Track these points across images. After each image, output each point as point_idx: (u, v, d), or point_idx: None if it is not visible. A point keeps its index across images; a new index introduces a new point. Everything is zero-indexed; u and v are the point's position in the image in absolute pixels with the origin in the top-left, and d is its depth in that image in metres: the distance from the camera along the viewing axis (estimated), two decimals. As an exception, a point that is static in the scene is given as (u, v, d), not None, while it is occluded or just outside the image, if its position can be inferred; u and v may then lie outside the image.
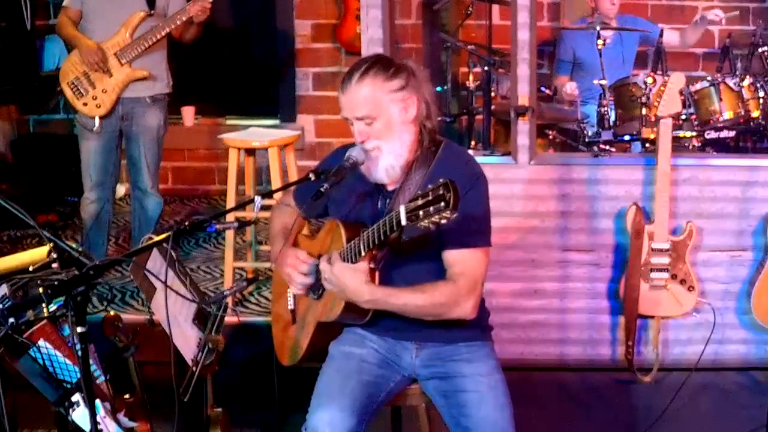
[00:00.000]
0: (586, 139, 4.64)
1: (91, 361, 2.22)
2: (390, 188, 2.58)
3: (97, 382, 2.47)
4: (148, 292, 2.58)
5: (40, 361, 2.34)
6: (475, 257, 2.49)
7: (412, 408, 2.73)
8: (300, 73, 6.24)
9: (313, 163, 4.94)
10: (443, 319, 2.50)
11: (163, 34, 4.38)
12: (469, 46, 5.30)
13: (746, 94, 4.35)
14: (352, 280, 2.40)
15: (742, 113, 4.36)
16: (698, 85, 4.39)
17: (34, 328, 2.35)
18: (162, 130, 4.62)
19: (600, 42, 4.75)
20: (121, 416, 2.56)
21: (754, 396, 3.77)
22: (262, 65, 6.43)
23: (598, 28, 4.81)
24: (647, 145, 4.41)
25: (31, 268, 2.47)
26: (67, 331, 2.40)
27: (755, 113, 4.37)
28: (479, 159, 2.73)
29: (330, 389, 2.51)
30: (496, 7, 5.27)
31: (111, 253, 4.87)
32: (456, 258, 2.48)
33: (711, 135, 4.45)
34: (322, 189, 2.43)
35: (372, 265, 2.45)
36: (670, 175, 3.72)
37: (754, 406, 3.50)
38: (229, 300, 3.67)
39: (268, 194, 2.75)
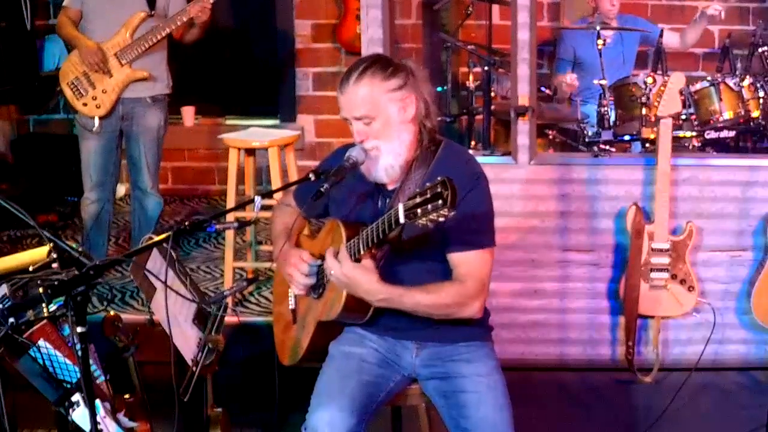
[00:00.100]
0: (586, 139, 4.65)
1: (91, 361, 2.22)
2: (390, 188, 2.58)
3: (97, 382, 2.47)
4: (148, 292, 2.58)
5: (40, 361, 2.34)
6: (480, 258, 2.50)
7: (412, 408, 2.73)
8: (300, 73, 6.24)
9: (313, 163, 4.95)
10: (451, 318, 2.52)
11: (163, 34, 4.38)
12: (469, 46, 5.30)
13: (746, 94, 4.35)
14: (365, 278, 2.40)
15: (742, 113, 4.36)
16: (698, 85, 4.40)
17: (34, 328, 2.35)
18: (162, 130, 4.62)
19: (600, 42, 4.75)
20: (121, 416, 2.56)
21: (754, 396, 3.77)
22: (262, 65, 6.43)
23: (598, 27, 4.81)
24: (647, 145, 4.41)
25: (31, 268, 2.47)
26: (67, 331, 2.40)
27: (755, 113, 4.37)
28: (479, 159, 2.73)
29: (330, 389, 2.51)
30: (496, 7, 5.27)
31: (111, 253, 4.87)
32: (461, 259, 2.48)
33: (711, 135, 4.45)
34: (322, 189, 2.43)
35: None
36: (670, 175, 3.72)
37: (754, 406, 3.50)
38: (229, 300, 3.67)
39: (268, 194, 2.75)
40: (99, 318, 2.63)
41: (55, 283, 2.05)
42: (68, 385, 2.37)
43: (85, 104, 4.43)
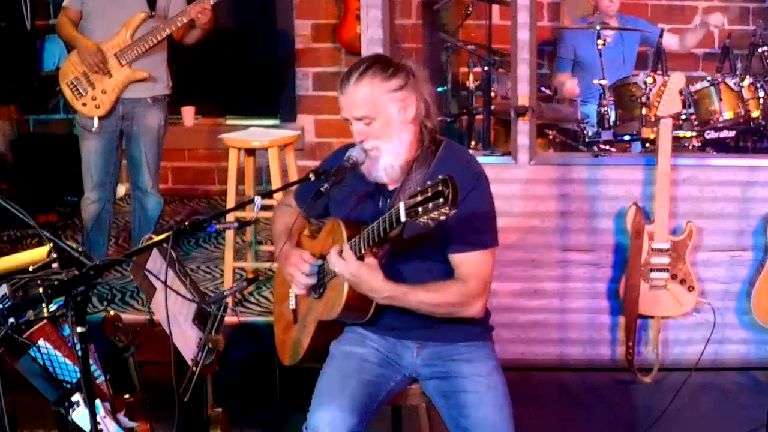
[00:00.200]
0: (586, 139, 4.64)
1: (91, 361, 2.22)
2: (390, 187, 2.58)
3: (97, 382, 2.47)
4: (148, 292, 2.58)
5: (40, 361, 2.35)
6: (482, 258, 2.50)
7: (413, 408, 2.73)
8: (300, 73, 6.24)
9: (313, 163, 4.94)
10: (453, 317, 2.52)
11: (163, 35, 4.37)
12: (469, 46, 5.30)
13: (746, 94, 4.35)
14: (370, 276, 2.40)
15: (742, 113, 4.36)
16: (698, 85, 4.39)
17: (34, 328, 2.36)
18: (162, 130, 4.62)
19: (600, 42, 4.75)
20: (121, 416, 2.56)
21: (754, 396, 3.77)
22: (262, 65, 6.43)
23: (598, 27, 4.81)
24: (647, 145, 4.41)
25: (31, 268, 2.47)
26: (67, 331, 2.40)
27: (755, 113, 4.37)
28: (479, 159, 2.73)
29: (330, 389, 2.51)
30: (496, 7, 5.27)
31: (111, 253, 4.87)
32: (464, 259, 2.49)
33: (711, 135, 4.45)
34: (322, 189, 2.43)
35: None
36: (670, 175, 3.72)
37: (754, 406, 3.50)
38: (229, 300, 3.67)
39: (268, 194, 2.75)
40: (99, 318, 2.63)
41: (55, 283, 2.05)
42: (68, 385, 2.37)
43: (84, 104, 4.43)
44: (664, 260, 3.78)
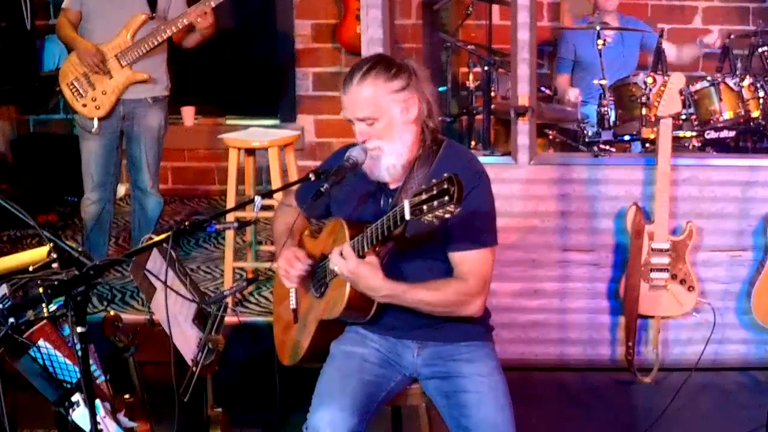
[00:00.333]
0: (586, 139, 4.64)
1: (91, 361, 2.22)
2: (392, 187, 2.58)
3: (97, 382, 2.47)
4: (148, 292, 2.58)
5: (40, 361, 2.35)
6: (482, 257, 2.50)
7: (413, 408, 2.73)
8: (300, 73, 6.24)
9: (313, 163, 4.93)
10: (453, 316, 2.53)
11: (164, 37, 4.37)
12: (469, 46, 5.30)
13: (746, 94, 4.35)
14: (370, 274, 2.40)
15: (742, 113, 4.36)
16: (698, 85, 4.39)
17: (34, 328, 2.36)
18: (163, 129, 4.62)
19: (600, 42, 4.75)
20: (121, 416, 2.56)
21: (754, 396, 3.77)
22: (262, 65, 6.43)
23: (598, 27, 4.81)
24: (647, 145, 4.41)
25: (31, 268, 2.47)
26: (67, 331, 2.40)
27: (755, 113, 4.36)
28: (479, 159, 2.73)
29: (331, 389, 2.51)
30: (496, 7, 5.27)
31: (111, 253, 4.87)
32: (463, 258, 2.49)
33: (711, 135, 4.44)
34: (322, 189, 2.43)
35: None
36: (670, 175, 3.72)
37: (754, 406, 3.50)
38: (229, 300, 3.67)
39: (268, 194, 2.75)
40: (99, 318, 2.63)
41: (55, 283, 2.05)
42: (68, 385, 2.37)
43: (84, 105, 4.43)
44: (664, 260, 3.78)
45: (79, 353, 2.04)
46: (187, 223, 2.29)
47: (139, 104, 4.50)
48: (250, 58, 6.52)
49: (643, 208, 3.83)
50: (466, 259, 2.49)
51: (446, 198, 2.10)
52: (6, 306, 2.30)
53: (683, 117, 4.31)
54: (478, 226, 2.48)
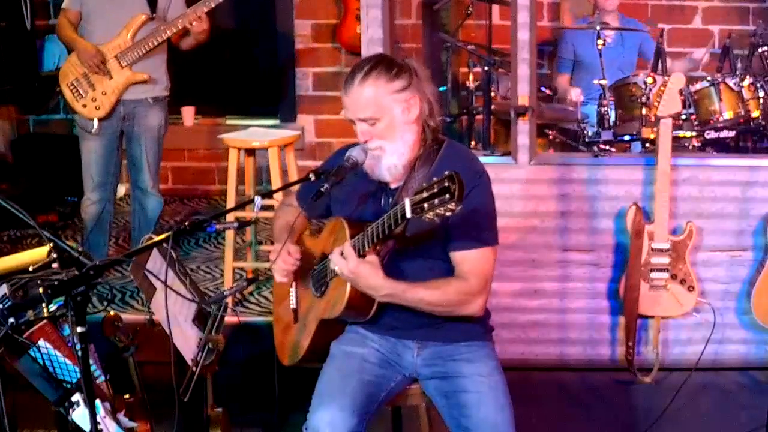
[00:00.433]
0: (586, 139, 4.64)
1: (91, 361, 2.22)
2: (393, 186, 2.58)
3: (97, 382, 2.47)
4: (148, 292, 2.58)
5: (40, 361, 2.35)
6: (483, 256, 2.50)
7: (413, 408, 2.73)
8: (300, 73, 6.24)
9: (313, 163, 4.92)
10: (453, 315, 2.53)
11: (164, 37, 4.38)
12: (469, 46, 5.30)
13: (746, 94, 4.35)
14: (371, 273, 2.40)
15: (742, 113, 4.36)
16: (698, 85, 4.39)
17: (34, 328, 2.36)
18: (163, 129, 4.62)
19: (600, 42, 4.75)
20: (121, 416, 2.56)
21: (754, 396, 3.77)
22: (262, 65, 6.43)
23: (598, 27, 4.81)
24: (647, 145, 4.41)
25: (31, 268, 2.48)
26: (67, 331, 2.40)
27: (755, 113, 4.36)
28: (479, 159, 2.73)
29: (331, 389, 2.51)
30: (496, 7, 5.27)
31: (111, 253, 4.87)
32: (464, 257, 2.49)
33: (711, 135, 4.44)
34: (322, 189, 2.43)
35: None
36: (670, 175, 3.72)
37: (754, 406, 3.50)
38: (229, 300, 3.67)
39: (268, 194, 2.75)
40: (99, 318, 2.63)
41: (55, 283, 2.05)
42: (68, 385, 2.37)
43: (84, 106, 4.43)
44: (664, 260, 3.78)
45: (79, 353, 2.04)
46: (187, 223, 2.29)
47: (139, 104, 4.50)
48: (250, 58, 6.52)
49: (643, 208, 3.83)
50: (466, 259, 2.49)
51: (447, 196, 2.11)
52: (6, 306, 2.30)
53: (683, 117, 4.31)
54: (478, 226, 2.48)
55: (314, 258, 2.72)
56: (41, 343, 2.35)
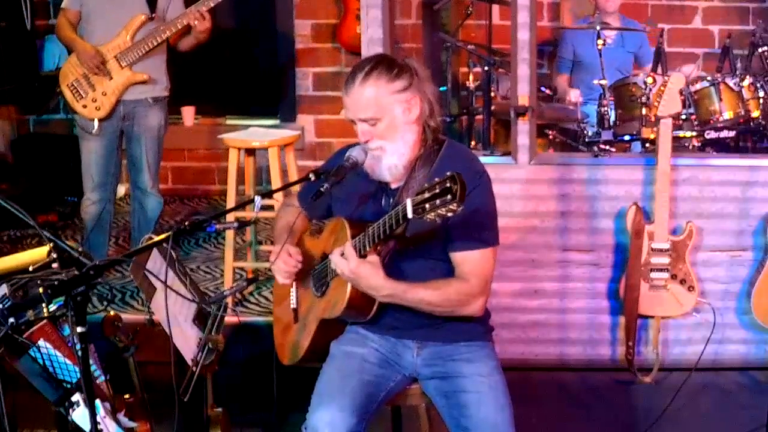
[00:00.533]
0: (586, 139, 4.64)
1: (91, 361, 2.22)
2: (393, 186, 2.58)
3: (97, 382, 2.47)
4: (148, 292, 2.58)
5: (40, 361, 2.35)
6: (483, 256, 2.50)
7: (413, 408, 2.73)
8: (300, 73, 6.24)
9: (313, 163, 4.92)
10: (453, 315, 2.53)
11: (164, 37, 4.38)
12: (469, 46, 5.30)
13: (746, 94, 4.35)
14: (371, 273, 2.40)
15: (742, 113, 4.36)
16: (698, 85, 4.39)
17: (34, 328, 2.36)
18: (163, 129, 4.62)
19: (600, 42, 4.75)
20: (121, 416, 2.56)
21: (754, 396, 3.77)
22: (262, 65, 6.43)
23: (598, 27, 4.81)
24: (647, 145, 4.41)
25: (31, 268, 2.48)
26: (67, 331, 2.40)
27: (755, 113, 4.36)
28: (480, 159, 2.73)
29: (330, 389, 2.51)
30: (496, 7, 5.27)
31: (111, 253, 4.87)
32: (465, 257, 2.49)
33: (711, 135, 4.44)
34: (322, 189, 2.43)
35: None
36: (670, 175, 3.72)
37: (754, 406, 3.50)
38: (229, 300, 3.68)
39: (268, 194, 2.76)
40: (99, 318, 2.63)
41: (55, 283, 2.05)
42: (68, 385, 2.37)
43: (84, 106, 4.43)
44: (664, 260, 3.78)
45: (79, 353, 2.04)
46: (187, 223, 2.29)
47: (139, 104, 4.50)
48: (250, 58, 6.52)
49: (643, 208, 3.83)
50: (467, 259, 2.49)
51: (449, 196, 2.11)
52: (6, 306, 2.30)
53: (683, 117, 4.31)
54: (479, 226, 2.48)
55: (315, 258, 2.72)
56: (41, 343, 2.35)
